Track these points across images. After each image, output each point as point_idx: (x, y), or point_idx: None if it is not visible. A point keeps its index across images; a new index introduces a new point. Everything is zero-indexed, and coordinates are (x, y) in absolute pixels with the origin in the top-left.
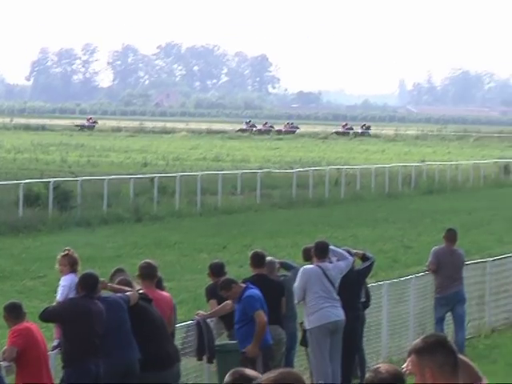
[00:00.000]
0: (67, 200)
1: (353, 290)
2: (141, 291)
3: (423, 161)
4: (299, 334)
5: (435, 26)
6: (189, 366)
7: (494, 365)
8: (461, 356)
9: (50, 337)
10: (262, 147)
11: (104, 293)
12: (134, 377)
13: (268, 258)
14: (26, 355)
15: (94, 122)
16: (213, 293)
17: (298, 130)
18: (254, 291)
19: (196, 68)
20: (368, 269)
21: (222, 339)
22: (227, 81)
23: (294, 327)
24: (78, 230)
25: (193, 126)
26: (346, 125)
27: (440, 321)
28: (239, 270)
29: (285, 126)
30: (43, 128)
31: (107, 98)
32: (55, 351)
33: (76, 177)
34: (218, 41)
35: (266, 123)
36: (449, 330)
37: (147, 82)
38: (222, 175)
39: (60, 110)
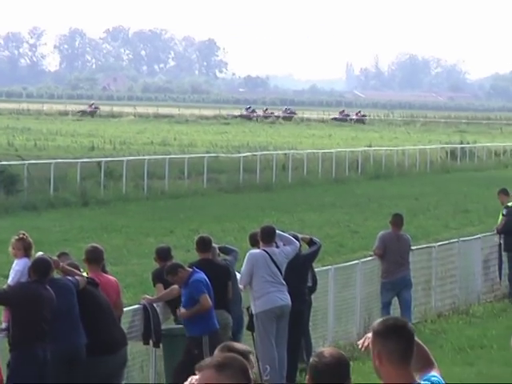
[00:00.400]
0: (13, 184)
1: (299, 275)
2: (88, 275)
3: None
4: (245, 318)
5: (382, 11)
6: (135, 350)
7: (440, 350)
8: (416, 339)
9: None
10: (209, 132)
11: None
12: (81, 362)
13: None
14: None
15: (96, 108)
16: (159, 277)
17: (294, 116)
18: (201, 275)
19: (143, 52)
20: (314, 253)
21: (169, 323)
22: (174, 65)
23: (239, 310)
24: (24, 213)
25: (140, 110)
26: (344, 111)
27: (386, 305)
28: (186, 255)
29: (283, 111)
30: None
31: (54, 82)
32: (3, 334)
33: (23, 160)
34: (165, 25)
35: (266, 109)
36: (395, 314)
37: (94, 65)
38: (169, 159)
39: (6, 94)
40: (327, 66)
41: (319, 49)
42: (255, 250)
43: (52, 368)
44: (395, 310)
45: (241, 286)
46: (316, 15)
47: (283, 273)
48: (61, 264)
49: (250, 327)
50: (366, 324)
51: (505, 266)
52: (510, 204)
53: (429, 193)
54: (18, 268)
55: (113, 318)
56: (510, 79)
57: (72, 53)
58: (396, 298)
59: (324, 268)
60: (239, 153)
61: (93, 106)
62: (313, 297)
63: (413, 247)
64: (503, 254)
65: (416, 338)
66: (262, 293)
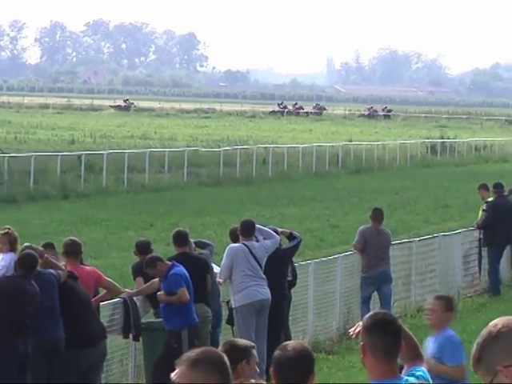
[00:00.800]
0: None
1: (279, 269)
2: (67, 269)
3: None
4: (224, 312)
5: (363, 6)
6: (115, 343)
7: (420, 344)
8: (406, 329)
9: None
10: (189, 125)
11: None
12: (60, 355)
13: None
14: None
15: (131, 103)
16: (139, 271)
17: (324, 112)
18: (180, 269)
19: (124, 46)
20: (295, 248)
21: (148, 317)
22: (155, 59)
23: (217, 304)
24: (4, 206)
25: (120, 103)
26: (372, 108)
27: (366, 300)
28: (166, 248)
29: (313, 107)
30: None
31: (35, 75)
32: None
33: (3, 153)
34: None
35: (295, 104)
36: (375, 309)
37: (75, 59)
38: (150, 153)
39: None
40: (308, 60)
41: (300, 43)
42: (235, 244)
43: (32, 361)
44: (375, 305)
45: (220, 280)
46: (297, 9)
47: (263, 267)
48: (45, 256)
49: (230, 321)
50: (345, 318)
51: (485, 261)
52: (490, 199)
53: (409, 187)
54: (3, 263)
55: (92, 312)
56: (490, 74)
57: (53, 46)
58: (376, 293)
59: (304, 262)
60: (219, 147)
61: (127, 101)
62: (293, 291)
63: (393, 242)
64: (483, 249)
65: (407, 330)
66: (241, 287)
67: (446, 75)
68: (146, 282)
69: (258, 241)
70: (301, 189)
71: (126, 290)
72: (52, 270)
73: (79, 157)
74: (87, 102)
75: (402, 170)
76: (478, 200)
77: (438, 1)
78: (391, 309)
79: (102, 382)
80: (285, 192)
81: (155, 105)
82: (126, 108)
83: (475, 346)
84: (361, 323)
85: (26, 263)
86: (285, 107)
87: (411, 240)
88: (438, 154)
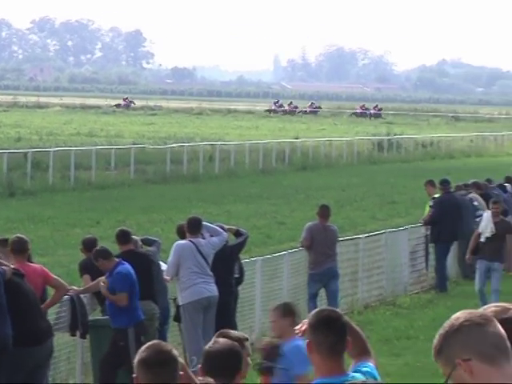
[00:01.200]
0: None
1: (226, 266)
2: (13, 266)
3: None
4: (172, 309)
5: (309, 2)
6: (62, 341)
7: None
8: (354, 325)
9: None
10: (136, 123)
11: None
12: (8, 352)
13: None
14: None
15: (131, 102)
16: (86, 268)
17: (319, 111)
18: (125, 267)
19: (70, 43)
20: (241, 244)
21: (95, 315)
22: (101, 56)
23: (164, 301)
24: None
25: (67, 100)
26: (364, 105)
27: (313, 297)
28: (112, 246)
29: (309, 106)
30: None
31: None
32: None
33: None
34: (92, 16)
35: (290, 103)
36: (322, 305)
37: (21, 56)
38: (96, 150)
39: None
40: (254, 57)
41: (246, 39)
42: (182, 241)
43: None
44: (322, 301)
45: (167, 277)
46: (243, 6)
47: (210, 264)
48: None
49: (177, 318)
50: None
51: (431, 257)
52: (436, 195)
53: (356, 184)
54: None
55: (39, 309)
56: (436, 71)
57: None
58: (323, 290)
59: (251, 259)
60: (166, 144)
61: (127, 100)
62: (240, 288)
63: (340, 238)
64: (430, 245)
65: (353, 325)
66: (188, 284)
67: (393, 72)
68: (93, 279)
69: (204, 238)
70: (247, 186)
71: (73, 287)
72: None
73: (25, 154)
74: (33, 99)
75: (348, 166)
76: (424, 196)
77: None
78: (338, 305)
79: (49, 379)
80: (232, 189)
81: (101, 102)
82: (126, 106)
83: (437, 336)
84: (306, 321)
85: None
86: (281, 106)
87: (358, 236)
88: (385, 150)
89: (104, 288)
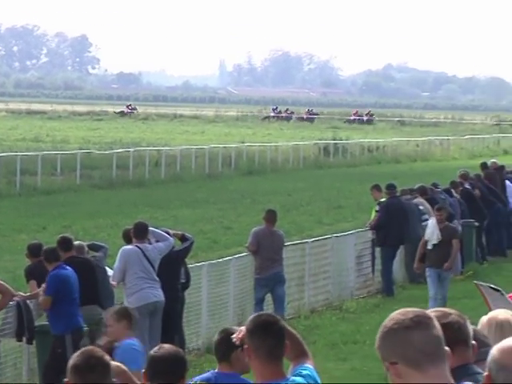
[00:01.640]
0: None
1: (172, 271)
2: None
3: None
4: None
5: (255, 7)
6: (8, 347)
7: (313, 345)
8: (289, 328)
9: None
10: (82, 128)
11: None
12: None
13: (76, 242)
14: None
15: (134, 109)
16: (32, 274)
17: (315, 117)
18: (61, 271)
19: (15, 48)
20: (187, 249)
21: (42, 320)
22: (47, 61)
23: (111, 306)
24: None
25: (12, 106)
26: (357, 112)
27: (260, 301)
28: None
29: (305, 112)
30: None
31: None
32: None
33: None
34: (37, 21)
35: (286, 109)
36: (269, 310)
37: None
38: (42, 156)
39: None
40: (200, 61)
41: (192, 44)
42: (128, 246)
43: None
44: (269, 306)
45: (114, 283)
46: (188, 11)
47: (156, 269)
48: None
49: None
50: (239, 320)
51: (378, 261)
52: (382, 200)
53: (302, 189)
54: None
55: None
56: (382, 75)
57: None
58: (270, 294)
59: (197, 264)
60: (112, 149)
61: (130, 107)
62: (186, 293)
63: (286, 243)
64: (376, 249)
65: (290, 329)
66: (135, 289)
67: (339, 76)
68: (39, 284)
69: (150, 243)
70: (194, 191)
71: (20, 293)
72: None
73: None
74: None
75: (294, 171)
76: (370, 201)
77: (330, 2)
78: (285, 310)
79: None
80: (178, 194)
81: (47, 107)
82: (129, 114)
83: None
84: (243, 328)
85: None
86: (279, 112)
87: (304, 241)
88: (331, 155)
89: (40, 288)
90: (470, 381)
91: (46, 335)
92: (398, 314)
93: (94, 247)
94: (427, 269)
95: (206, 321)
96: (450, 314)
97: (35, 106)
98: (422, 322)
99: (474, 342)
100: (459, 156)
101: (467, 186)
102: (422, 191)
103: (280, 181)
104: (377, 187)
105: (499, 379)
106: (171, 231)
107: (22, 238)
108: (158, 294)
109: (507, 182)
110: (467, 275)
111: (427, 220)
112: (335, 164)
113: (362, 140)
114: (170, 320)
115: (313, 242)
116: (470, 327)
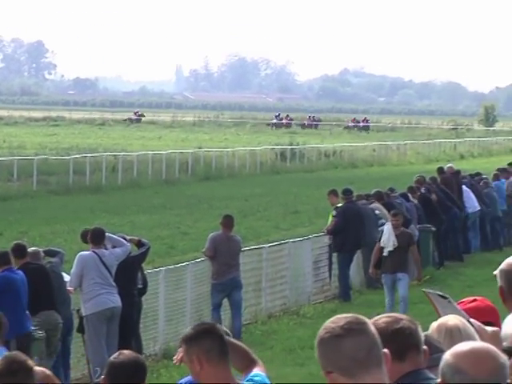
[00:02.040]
0: None
1: (129, 277)
2: None
3: None
4: (75, 320)
5: (211, 12)
6: None
7: (271, 351)
8: (233, 340)
9: None
10: (38, 134)
11: None
12: None
13: (32, 248)
14: None
15: (141, 116)
16: None
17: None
18: (9, 275)
19: None
20: (143, 255)
21: None
22: (3, 67)
23: (67, 312)
24: None
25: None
26: (354, 119)
27: (217, 307)
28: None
29: (307, 119)
30: None
31: None
32: None
33: None
34: None
35: (287, 116)
36: (226, 316)
37: None
38: None
39: None
40: (156, 67)
41: (148, 50)
42: (85, 252)
43: None
44: (226, 312)
45: (70, 288)
46: (145, 16)
47: (113, 275)
48: None
49: (81, 329)
50: None
51: (335, 266)
52: (339, 205)
53: (259, 194)
54: None
55: None
56: (338, 80)
57: None
58: (227, 300)
59: (155, 270)
60: (69, 155)
61: (137, 114)
62: (143, 298)
63: (243, 248)
64: (333, 254)
65: (232, 340)
66: (92, 295)
67: (295, 82)
68: None
69: (107, 249)
70: (151, 196)
71: None
72: None
73: None
74: None
75: (251, 176)
76: (327, 206)
77: (286, 7)
78: (242, 315)
79: None
80: (135, 200)
81: (3, 113)
82: (137, 120)
83: None
84: (181, 349)
85: None
86: (282, 119)
87: (261, 246)
88: (288, 160)
89: None
90: None
91: None
92: (331, 322)
93: (50, 253)
94: (383, 275)
95: (163, 326)
96: (402, 319)
97: None
98: (352, 329)
99: (425, 347)
100: (416, 161)
101: (423, 190)
102: (379, 196)
103: (237, 186)
104: (334, 192)
105: (454, 382)
106: (128, 237)
107: None
108: (115, 300)
109: (463, 187)
110: (424, 280)
111: (384, 224)
112: (292, 169)
113: (318, 145)
114: (126, 325)
115: (270, 247)
116: (422, 333)
